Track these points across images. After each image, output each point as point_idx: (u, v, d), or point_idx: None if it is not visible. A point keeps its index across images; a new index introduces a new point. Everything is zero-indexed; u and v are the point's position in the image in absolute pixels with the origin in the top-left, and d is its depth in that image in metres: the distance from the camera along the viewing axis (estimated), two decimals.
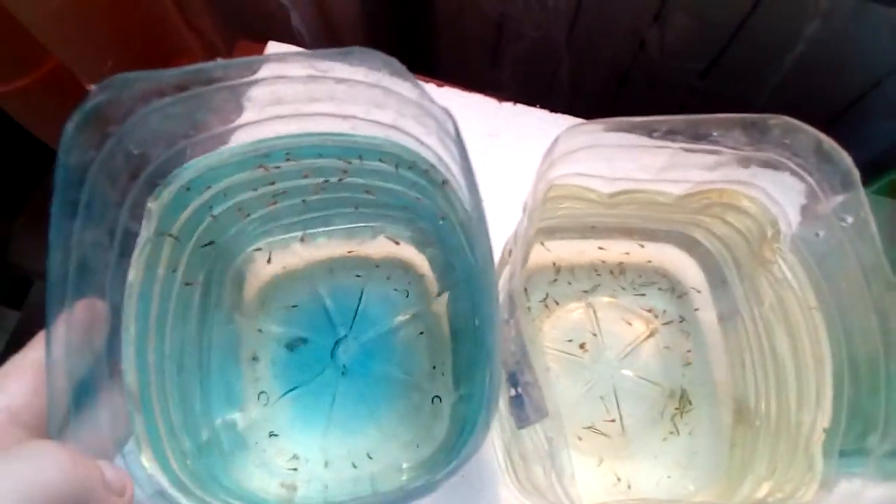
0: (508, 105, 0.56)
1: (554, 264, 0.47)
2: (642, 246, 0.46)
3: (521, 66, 0.75)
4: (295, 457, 0.41)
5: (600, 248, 0.46)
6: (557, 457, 0.28)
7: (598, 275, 0.47)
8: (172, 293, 0.36)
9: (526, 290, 0.46)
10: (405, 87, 0.29)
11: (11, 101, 0.71)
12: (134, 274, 0.32)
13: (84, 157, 0.27)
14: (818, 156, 0.32)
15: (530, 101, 0.56)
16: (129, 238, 0.31)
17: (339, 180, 0.38)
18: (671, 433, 0.44)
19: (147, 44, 0.65)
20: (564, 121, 0.54)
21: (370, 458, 0.42)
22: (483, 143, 0.55)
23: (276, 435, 0.42)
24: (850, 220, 0.32)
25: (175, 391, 0.36)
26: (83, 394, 0.26)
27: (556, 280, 0.47)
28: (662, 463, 0.43)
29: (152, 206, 0.33)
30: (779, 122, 0.31)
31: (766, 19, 0.57)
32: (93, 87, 0.26)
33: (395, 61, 0.27)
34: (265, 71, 0.30)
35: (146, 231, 0.33)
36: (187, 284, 0.37)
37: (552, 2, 0.61)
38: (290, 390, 0.43)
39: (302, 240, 0.44)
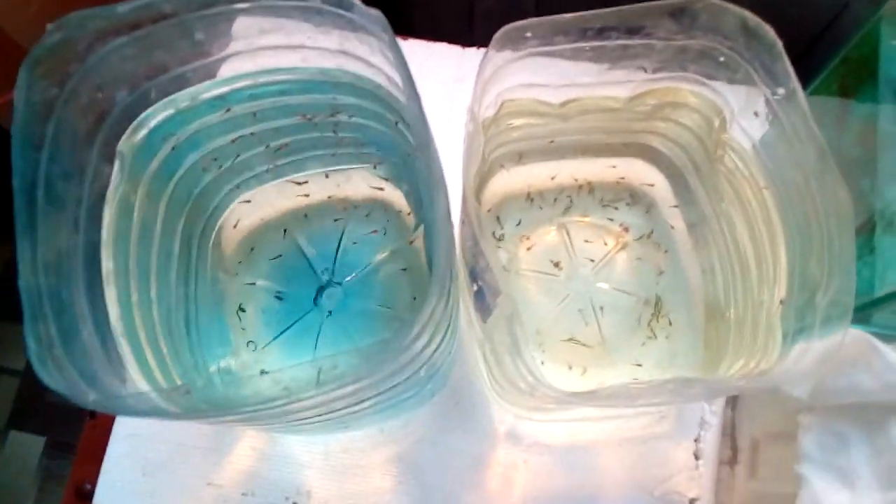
0: (472, 50, 0.57)
1: (524, 191, 0.48)
2: (611, 162, 0.47)
3: (493, 21, 0.76)
4: (286, 388, 0.43)
5: (567, 170, 0.48)
6: (517, 337, 0.30)
7: (569, 196, 0.48)
8: (152, 243, 0.38)
9: (499, 218, 0.48)
10: (342, 4, 0.31)
11: (4, 114, 0.74)
12: (108, 216, 0.34)
13: (48, 93, 0.29)
14: (745, 35, 0.33)
15: None
16: (103, 178, 0.33)
17: (305, 119, 0.40)
18: (649, 338, 0.46)
19: None
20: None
21: None
22: (450, 89, 0.56)
23: (267, 373, 0.43)
24: (781, 91, 0.33)
25: (165, 335, 0.38)
26: (61, 310, 0.28)
27: (527, 206, 0.48)
28: (643, 368, 0.45)
29: (123, 148, 0.35)
30: (705, 5, 0.33)
31: None
32: (49, 26, 0.28)
33: None
34: (213, 5, 0.31)
35: (119, 174, 0.35)
36: (164, 235, 0.39)
37: None
38: (275, 337, 0.45)
39: (278, 188, 0.46)
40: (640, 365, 0.45)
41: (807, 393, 0.32)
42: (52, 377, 0.26)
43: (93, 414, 0.49)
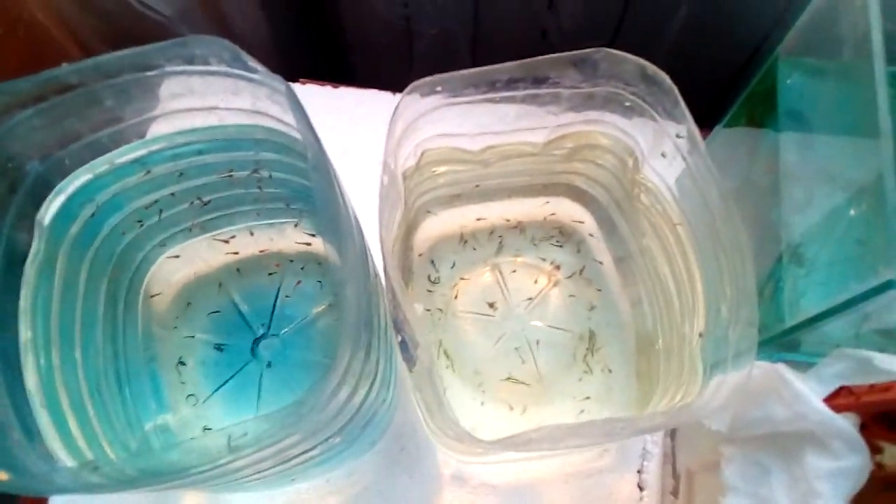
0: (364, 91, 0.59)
1: (457, 233, 0.49)
2: (539, 202, 0.49)
3: (429, 65, 0.78)
4: (200, 456, 0.42)
5: (497, 211, 0.49)
6: (438, 389, 0.30)
7: (500, 237, 0.49)
8: (75, 306, 0.38)
9: (433, 262, 0.49)
10: (249, 69, 0.31)
11: None
12: (28, 284, 0.34)
13: None
14: (645, 81, 0.35)
15: None
16: (16, 247, 0.33)
17: (226, 177, 0.40)
18: (585, 373, 0.46)
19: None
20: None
21: None
22: (382, 134, 0.57)
23: (209, 429, 0.43)
24: (682, 133, 0.34)
25: (93, 398, 0.38)
26: None
27: (461, 248, 0.49)
28: (580, 402, 0.46)
29: (40, 218, 0.35)
30: (603, 55, 0.34)
31: None
32: None
33: (230, 44, 0.30)
34: (119, 74, 0.32)
35: (37, 243, 0.35)
36: (87, 296, 0.39)
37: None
38: (216, 390, 0.44)
39: (207, 243, 0.46)
40: (577, 399, 0.46)
41: (725, 425, 0.33)
42: None
43: None
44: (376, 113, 0.58)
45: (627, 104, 0.37)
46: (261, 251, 0.47)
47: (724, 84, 0.70)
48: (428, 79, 0.34)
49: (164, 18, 0.65)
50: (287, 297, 0.47)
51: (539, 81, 0.36)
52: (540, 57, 0.34)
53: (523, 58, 0.73)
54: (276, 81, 0.29)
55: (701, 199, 0.35)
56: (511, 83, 0.35)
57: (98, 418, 0.37)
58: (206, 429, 0.44)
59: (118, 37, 0.68)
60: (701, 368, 0.36)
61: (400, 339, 0.33)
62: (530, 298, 0.48)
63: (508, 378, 0.46)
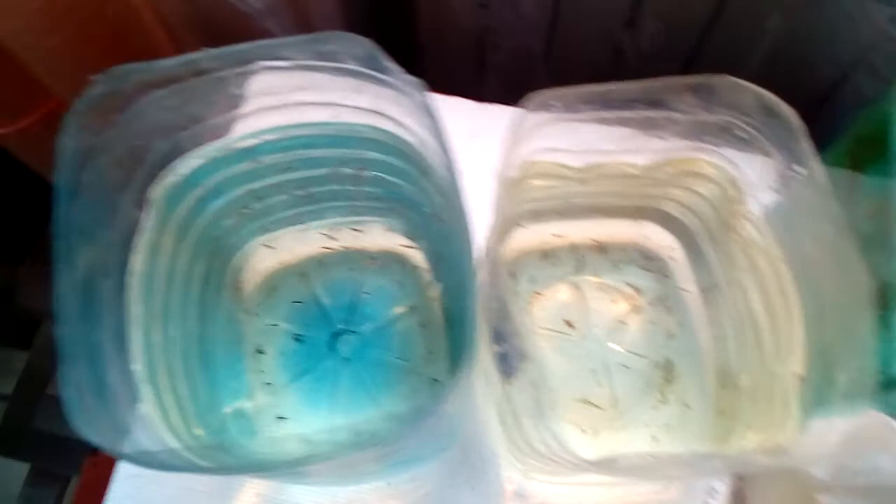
0: (487, 105, 0.59)
1: (538, 248, 0.49)
2: (625, 223, 0.48)
3: (502, 77, 0.78)
4: (302, 438, 0.43)
5: (582, 229, 0.48)
6: (542, 401, 0.30)
7: (582, 255, 0.49)
8: (175, 284, 0.39)
9: (514, 274, 0.49)
10: (384, 70, 0.32)
11: (15, 142, 0.74)
12: (137, 259, 0.34)
13: (88, 141, 0.29)
14: (763, 112, 0.34)
15: None
16: (132, 223, 0.34)
17: (330, 172, 0.41)
18: (660, 401, 0.46)
19: None
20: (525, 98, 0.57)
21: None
22: (464, 143, 0.57)
23: (283, 418, 0.43)
24: (801, 170, 0.34)
25: (184, 376, 0.38)
26: (93, 356, 0.28)
27: (541, 263, 0.49)
28: (653, 431, 0.45)
29: (152, 195, 0.35)
30: (723, 82, 0.34)
31: (731, 15, 0.61)
32: (94, 77, 0.29)
33: (367, 41, 0.30)
34: (252, 63, 0.32)
35: (148, 219, 0.35)
36: (187, 277, 0.39)
37: (525, 11, 0.64)
38: (294, 380, 0.45)
39: (298, 235, 0.46)
40: (650, 427, 0.45)
41: (828, 473, 0.32)
42: (86, 428, 0.26)
43: (95, 450, 0.49)
44: (459, 121, 0.57)
45: (741, 134, 0.36)
46: (346, 247, 0.48)
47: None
48: (547, 92, 0.34)
49: (252, 9, 0.66)
50: (367, 294, 0.47)
51: (654, 104, 0.35)
52: (658, 79, 0.34)
53: (597, 74, 0.74)
54: (413, 87, 0.30)
55: (812, 236, 0.34)
56: (626, 103, 0.35)
57: (189, 396, 0.38)
58: (279, 417, 0.44)
59: (205, 23, 0.69)
60: (798, 411, 0.35)
61: (499, 349, 0.33)
62: (608, 321, 0.48)
63: (583, 399, 0.45)
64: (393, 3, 0.71)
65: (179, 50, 0.71)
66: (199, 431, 0.35)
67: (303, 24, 0.68)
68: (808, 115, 0.69)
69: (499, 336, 0.33)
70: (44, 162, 0.80)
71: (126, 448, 0.26)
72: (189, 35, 0.71)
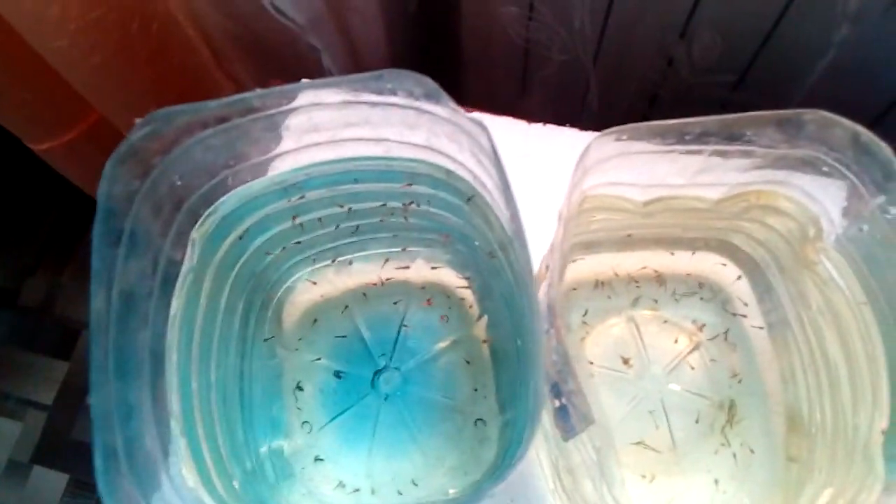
0: (538, 126, 0.56)
1: (592, 279, 0.46)
2: (685, 255, 0.45)
3: (550, 91, 0.75)
4: (341, 484, 0.41)
5: (638, 260, 0.46)
6: (606, 466, 0.27)
7: (638, 287, 0.46)
8: (215, 323, 0.37)
9: (566, 307, 0.46)
10: (438, 105, 0.30)
11: (57, 155, 0.74)
12: (177, 303, 0.33)
13: (128, 187, 0.28)
14: (856, 149, 0.31)
15: (561, 124, 0.57)
16: (172, 267, 0.32)
17: (377, 206, 0.39)
18: (722, 445, 0.43)
19: (183, 92, 0.68)
20: (594, 138, 0.55)
21: (415, 485, 0.42)
22: (514, 164, 0.55)
23: (321, 460, 0.42)
24: (894, 212, 0.31)
25: (221, 420, 0.37)
26: (128, 416, 0.27)
27: (595, 296, 0.46)
28: (715, 477, 0.42)
29: (195, 235, 0.34)
30: (814, 116, 0.31)
31: (794, 27, 0.57)
32: (137, 121, 0.27)
33: (427, 80, 0.28)
34: (301, 99, 0.31)
35: (189, 261, 0.34)
36: (226, 315, 0.38)
37: (578, 24, 0.61)
38: (332, 419, 0.43)
39: (340, 268, 0.44)
40: (710, 473, 0.42)
41: None
42: (112, 494, 0.24)
43: None
44: (509, 142, 0.56)
45: (825, 169, 0.33)
46: (387, 279, 0.46)
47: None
48: (617, 128, 0.31)
49: (296, 26, 0.65)
50: (408, 327, 0.45)
51: (733, 138, 0.33)
52: (741, 114, 0.31)
53: (646, 87, 0.71)
54: (476, 126, 0.28)
55: None
56: (702, 137, 0.33)
57: (224, 439, 0.36)
58: (317, 459, 0.42)
59: (247, 38, 0.68)
60: (882, 468, 0.33)
61: (559, 404, 0.31)
62: (667, 358, 0.45)
63: (639, 443, 0.43)
64: (437, 17, 0.69)
65: (220, 65, 0.70)
66: (235, 484, 0.34)
67: (344, 36, 0.66)
68: (868, 128, 0.65)
69: (558, 391, 0.30)
70: (85, 175, 0.80)
71: None
72: (231, 50, 0.70)
